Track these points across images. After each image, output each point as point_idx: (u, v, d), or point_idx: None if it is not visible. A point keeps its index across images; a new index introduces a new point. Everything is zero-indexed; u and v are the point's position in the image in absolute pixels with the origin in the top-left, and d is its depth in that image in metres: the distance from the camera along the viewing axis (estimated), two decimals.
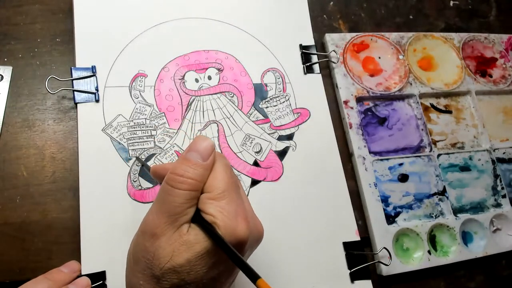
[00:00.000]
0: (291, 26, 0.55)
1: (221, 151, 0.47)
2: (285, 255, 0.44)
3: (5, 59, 0.46)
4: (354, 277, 0.45)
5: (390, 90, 0.55)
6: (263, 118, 0.50)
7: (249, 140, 0.48)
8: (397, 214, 0.50)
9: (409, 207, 0.51)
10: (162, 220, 0.29)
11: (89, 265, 0.39)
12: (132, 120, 0.46)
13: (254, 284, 0.26)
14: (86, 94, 0.45)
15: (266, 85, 0.51)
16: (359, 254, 0.46)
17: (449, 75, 0.59)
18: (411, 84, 0.56)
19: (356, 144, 0.51)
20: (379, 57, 0.57)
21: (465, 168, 0.54)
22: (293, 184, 0.47)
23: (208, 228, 0.28)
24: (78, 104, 0.45)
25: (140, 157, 0.44)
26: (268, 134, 0.49)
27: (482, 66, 0.61)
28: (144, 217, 0.31)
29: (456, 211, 0.52)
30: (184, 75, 0.49)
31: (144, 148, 0.45)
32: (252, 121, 0.49)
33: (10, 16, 0.48)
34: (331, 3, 0.59)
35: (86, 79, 0.45)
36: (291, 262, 0.44)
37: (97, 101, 0.45)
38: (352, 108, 0.52)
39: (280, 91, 0.51)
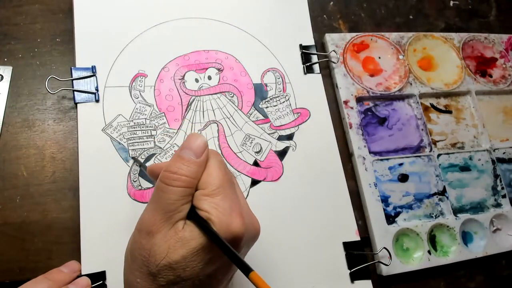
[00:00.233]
0: (291, 26, 0.55)
1: (221, 151, 0.47)
2: (285, 255, 0.44)
3: (5, 59, 0.46)
4: (354, 277, 0.45)
5: (390, 90, 0.55)
6: (263, 118, 0.50)
7: (249, 140, 0.48)
8: (397, 214, 0.50)
9: (409, 207, 0.51)
10: (158, 218, 0.29)
11: (89, 265, 0.39)
12: (132, 120, 0.46)
13: (247, 277, 0.26)
14: (86, 94, 0.45)
15: (266, 85, 0.51)
16: (359, 254, 0.46)
17: (449, 75, 0.59)
18: (411, 84, 0.56)
19: (356, 144, 0.51)
20: (379, 57, 0.57)
21: (465, 168, 0.54)
22: (293, 184, 0.47)
23: (203, 224, 0.29)
24: (78, 104, 0.45)
25: (140, 157, 0.44)
26: (268, 134, 0.49)
27: (482, 66, 0.61)
28: (140, 216, 0.31)
29: (456, 211, 0.52)
30: (184, 75, 0.49)
31: (144, 148, 0.45)
32: (252, 121, 0.49)
33: (10, 16, 0.48)
34: (331, 3, 0.59)
35: (86, 79, 0.45)
36: (291, 262, 0.44)
37: (97, 101, 0.45)
38: (352, 108, 0.52)
39: (280, 91, 0.51)
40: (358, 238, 0.47)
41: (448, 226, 0.50)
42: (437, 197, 0.52)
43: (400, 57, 0.57)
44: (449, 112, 0.57)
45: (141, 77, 0.47)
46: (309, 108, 0.51)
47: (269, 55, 0.53)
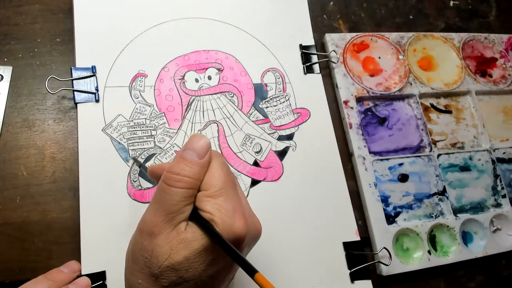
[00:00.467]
0: (291, 26, 0.55)
1: (221, 151, 0.47)
2: (285, 255, 0.44)
3: (5, 59, 0.46)
4: (354, 277, 0.45)
5: (390, 90, 0.55)
6: (263, 118, 0.50)
7: (249, 140, 0.48)
8: (397, 214, 0.50)
9: (409, 207, 0.51)
10: (160, 219, 0.29)
11: (89, 265, 0.39)
12: (132, 120, 0.46)
13: (252, 279, 0.26)
14: (86, 94, 0.45)
15: (266, 85, 0.51)
16: (359, 254, 0.46)
17: (449, 75, 0.59)
18: (411, 84, 0.56)
19: (356, 144, 0.51)
20: (379, 57, 0.57)
21: (465, 168, 0.54)
22: (293, 184, 0.47)
23: (205, 225, 0.29)
24: (78, 104, 0.45)
25: (140, 157, 0.44)
26: (268, 134, 0.49)
27: (482, 66, 0.61)
28: (142, 216, 0.31)
29: (456, 211, 0.52)
30: (184, 75, 0.49)
31: (144, 148, 0.45)
32: (252, 121, 0.49)
33: (10, 16, 0.48)
34: (331, 3, 0.59)
35: (86, 79, 0.45)
36: (291, 262, 0.44)
37: (97, 101, 0.45)
38: (352, 108, 0.52)
39: (280, 91, 0.51)
40: (358, 238, 0.47)
41: (448, 226, 0.50)
42: (437, 197, 0.52)
43: (400, 57, 0.57)
44: (449, 112, 0.57)
45: (141, 77, 0.47)
46: (309, 108, 0.51)
47: (269, 55, 0.53)
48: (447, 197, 0.51)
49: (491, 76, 0.61)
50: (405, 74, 0.56)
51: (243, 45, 0.52)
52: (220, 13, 0.53)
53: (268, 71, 0.52)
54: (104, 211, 0.41)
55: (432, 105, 0.57)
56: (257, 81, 0.51)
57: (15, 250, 0.40)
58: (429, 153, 0.53)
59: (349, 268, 0.45)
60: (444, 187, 0.52)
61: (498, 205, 0.54)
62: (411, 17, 0.62)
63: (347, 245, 0.46)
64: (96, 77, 0.46)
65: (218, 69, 0.50)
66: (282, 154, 0.49)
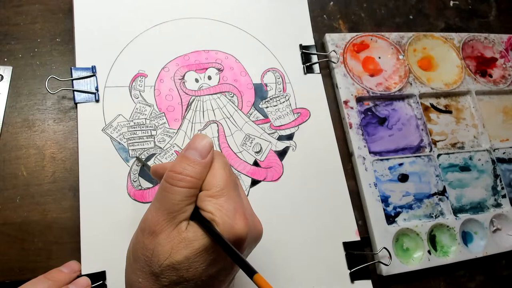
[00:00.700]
0: (291, 26, 0.55)
1: (221, 151, 0.47)
2: (285, 255, 0.44)
3: (5, 59, 0.46)
4: (354, 277, 0.45)
5: (390, 90, 0.55)
6: (263, 118, 0.50)
7: (249, 140, 0.48)
8: (397, 214, 0.50)
9: (409, 207, 0.51)
10: (161, 218, 0.29)
11: (89, 265, 0.39)
12: (132, 120, 0.46)
13: (251, 279, 0.26)
14: (86, 94, 0.45)
15: (266, 85, 0.51)
16: (359, 254, 0.46)
17: (449, 75, 0.59)
18: (411, 84, 0.56)
19: (356, 144, 0.51)
20: (379, 57, 0.57)
21: (465, 168, 0.54)
22: (293, 184, 0.47)
23: (206, 225, 0.29)
24: (78, 104, 0.45)
25: (140, 157, 0.44)
26: (268, 134, 0.49)
27: (482, 66, 0.61)
28: (143, 215, 0.31)
29: (456, 211, 0.52)
30: (184, 75, 0.49)
31: (144, 148, 0.45)
32: (252, 121, 0.49)
33: (10, 16, 0.48)
34: (331, 3, 0.59)
35: (86, 79, 0.45)
36: (291, 262, 0.44)
37: (97, 101, 0.45)
38: (352, 108, 0.52)
39: (280, 91, 0.51)
40: (358, 238, 0.47)
41: (448, 226, 0.50)
42: (437, 197, 0.52)
43: (400, 57, 0.57)
44: (449, 112, 0.57)
45: (141, 77, 0.47)
46: (309, 108, 0.51)
47: (269, 55, 0.53)
48: (447, 197, 0.51)
49: (491, 76, 0.61)
50: (405, 74, 0.56)
51: (243, 45, 0.52)
52: (220, 13, 0.53)
53: (268, 71, 0.52)
54: (104, 211, 0.41)
55: (432, 105, 0.57)
56: (257, 81, 0.51)
57: (15, 250, 0.40)
58: (429, 153, 0.53)
59: (349, 268, 0.45)
60: (444, 187, 0.52)
61: (498, 205, 0.54)
62: (411, 17, 0.62)
63: (347, 245, 0.46)
64: (96, 77, 0.46)
65: (218, 69, 0.50)
66: (282, 154, 0.49)
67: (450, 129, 0.56)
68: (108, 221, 0.41)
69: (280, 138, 0.49)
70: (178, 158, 0.31)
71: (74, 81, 0.45)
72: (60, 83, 0.45)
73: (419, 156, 0.53)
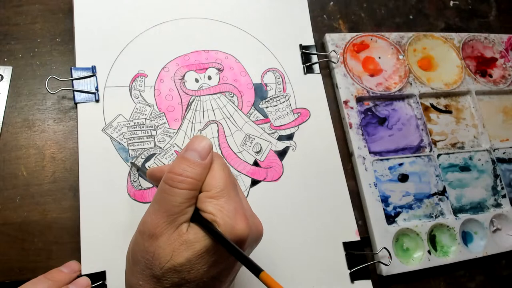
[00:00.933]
0: (291, 26, 0.55)
1: (221, 151, 0.47)
2: (285, 255, 0.44)
3: (5, 59, 0.46)
4: (354, 277, 0.45)
5: (390, 90, 0.55)
6: (263, 118, 0.50)
7: (249, 140, 0.48)
8: (397, 214, 0.50)
9: (409, 207, 0.51)
10: (161, 220, 0.29)
11: (89, 265, 0.39)
12: (132, 120, 0.46)
13: (257, 277, 0.26)
14: (86, 94, 0.45)
15: (266, 85, 0.51)
16: (359, 254, 0.46)
17: (449, 75, 0.59)
18: (411, 84, 0.56)
19: (356, 144, 0.51)
20: (379, 57, 0.57)
21: (465, 168, 0.54)
22: (293, 184, 0.47)
23: (208, 226, 0.28)
24: (78, 104, 0.45)
25: (140, 157, 0.44)
26: (268, 134, 0.49)
27: (482, 66, 0.61)
28: (142, 218, 0.31)
29: (456, 211, 0.52)
30: (184, 75, 0.49)
31: (144, 148, 0.45)
32: (252, 121, 0.49)
33: (10, 16, 0.48)
34: (331, 3, 0.59)
35: (86, 79, 0.45)
36: (291, 262, 0.44)
37: (97, 101, 0.45)
38: (352, 108, 0.52)
39: (280, 91, 0.51)
40: (358, 238, 0.47)
41: (448, 226, 0.50)
42: (437, 197, 0.52)
43: (400, 57, 0.57)
44: (449, 112, 0.57)
45: (141, 77, 0.47)
46: (309, 108, 0.51)
47: (269, 55, 0.53)
48: (447, 197, 0.51)
49: (491, 76, 0.61)
50: (405, 74, 0.56)
51: (243, 45, 0.52)
52: (220, 13, 0.53)
53: (268, 71, 0.52)
54: (104, 211, 0.41)
55: (432, 105, 0.57)
56: (257, 81, 0.51)
57: (15, 250, 0.40)
58: (429, 153, 0.53)
59: (349, 268, 0.45)
60: (444, 187, 0.52)
61: (498, 205, 0.54)
62: (411, 17, 0.62)
63: (347, 245, 0.46)
64: (96, 77, 0.46)
65: (218, 69, 0.50)
66: (282, 154, 0.49)
67: (450, 129, 0.56)
68: (108, 221, 0.41)
69: (280, 138, 0.49)
70: (177, 159, 0.31)
71: (74, 81, 0.45)
72: (60, 83, 0.45)
73: (419, 156, 0.53)
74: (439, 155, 0.54)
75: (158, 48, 0.49)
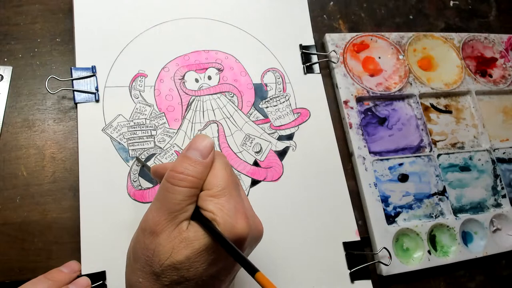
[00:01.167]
0: (291, 26, 0.55)
1: (221, 151, 0.47)
2: (285, 255, 0.44)
3: (5, 59, 0.46)
4: (354, 277, 0.45)
5: (390, 90, 0.55)
6: (263, 118, 0.50)
7: (249, 140, 0.48)
8: (397, 214, 0.50)
9: (409, 207, 0.51)
10: (162, 217, 0.29)
11: (89, 265, 0.39)
12: (132, 120, 0.46)
13: (253, 278, 0.26)
14: (86, 94, 0.45)
15: (266, 85, 0.51)
16: (359, 254, 0.46)
17: (449, 75, 0.59)
18: (411, 84, 0.56)
19: (356, 144, 0.51)
20: (379, 57, 0.57)
21: (465, 168, 0.54)
22: (293, 184, 0.47)
23: (207, 224, 0.29)
24: (78, 104, 0.45)
25: (140, 157, 0.44)
26: (268, 134, 0.49)
27: (482, 66, 0.61)
28: (144, 215, 0.31)
29: (456, 211, 0.52)
30: (184, 75, 0.49)
31: (144, 148, 0.45)
32: (252, 121, 0.49)
33: (10, 16, 0.48)
34: (331, 3, 0.59)
35: (86, 79, 0.45)
36: (291, 262, 0.44)
37: (97, 101, 0.45)
38: (352, 108, 0.52)
39: (280, 91, 0.51)
40: (358, 238, 0.47)
41: (448, 226, 0.50)
42: (437, 197, 0.52)
43: (400, 57, 0.57)
44: (449, 112, 0.57)
45: (141, 77, 0.47)
46: (309, 108, 0.51)
47: (269, 55, 0.53)
48: (447, 197, 0.51)
49: (491, 76, 0.61)
50: (405, 74, 0.56)
51: (243, 45, 0.52)
52: (220, 13, 0.53)
53: (268, 71, 0.52)
54: (104, 211, 0.41)
55: (432, 105, 0.57)
56: (257, 81, 0.51)
57: (15, 250, 0.40)
58: (429, 153, 0.53)
59: (349, 268, 0.45)
60: (444, 187, 0.52)
61: (498, 205, 0.54)
62: (411, 17, 0.62)
63: (347, 245, 0.46)
64: (96, 77, 0.46)
65: (218, 69, 0.50)
66: (282, 154, 0.49)
67: (450, 129, 0.56)
68: (108, 221, 0.41)
69: (280, 138, 0.49)
70: (179, 158, 0.31)
71: (74, 81, 0.45)
72: (60, 83, 0.45)
73: (419, 156, 0.53)
74: (439, 155, 0.54)
75: (158, 48, 0.49)
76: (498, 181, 0.55)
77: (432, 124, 0.56)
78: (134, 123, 0.45)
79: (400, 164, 0.52)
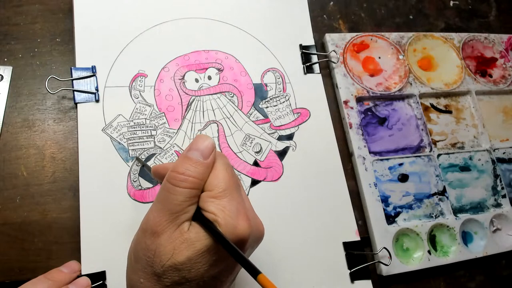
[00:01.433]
0: (291, 26, 0.55)
1: (221, 151, 0.47)
2: (285, 255, 0.44)
3: (5, 59, 0.46)
4: (354, 277, 0.45)
5: (390, 90, 0.55)
6: (263, 118, 0.50)
7: (249, 140, 0.48)
8: (397, 214, 0.50)
9: (409, 207, 0.51)
10: (163, 218, 0.29)
11: (89, 265, 0.39)
12: (132, 120, 0.46)
13: (255, 279, 0.26)
14: (86, 94, 0.45)
15: (266, 85, 0.51)
16: (359, 254, 0.46)
17: (449, 75, 0.59)
18: (411, 84, 0.56)
19: (356, 144, 0.51)
20: (379, 57, 0.57)
21: (465, 168, 0.54)
22: (293, 184, 0.47)
23: (209, 225, 0.29)
24: (78, 104, 0.45)
25: (140, 157, 0.44)
26: (268, 134, 0.49)
27: (482, 66, 0.61)
28: (144, 216, 0.31)
29: (456, 211, 0.52)
30: (184, 75, 0.49)
31: (144, 148, 0.45)
32: (252, 121, 0.49)
33: (10, 16, 0.48)
34: (331, 3, 0.59)
35: (86, 79, 0.45)
36: (291, 262, 0.44)
37: (97, 101, 0.45)
38: (352, 108, 0.52)
39: (280, 91, 0.51)
40: (358, 238, 0.47)
41: (448, 226, 0.50)
42: (437, 197, 0.52)
43: (400, 57, 0.57)
44: (449, 112, 0.57)
45: (141, 77, 0.47)
46: (309, 108, 0.51)
47: (269, 55, 0.53)
48: (447, 197, 0.51)
49: (491, 76, 0.61)
50: (405, 74, 0.56)
51: (243, 45, 0.52)
52: (220, 13, 0.53)
53: (268, 71, 0.52)
54: (104, 211, 0.41)
55: (432, 105, 0.57)
56: (257, 81, 0.51)
57: (15, 250, 0.40)
58: (429, 153, 0.53)
59: (349, 268, 0.45)
60: (444, 187, 0.52)
61: (498, 205, 0.54)
62: (411, 17, 0.62)
63: (347, 245, 0.46)
64: (96, 77, 0.46)
65: (218, 69, 0.50)
66: (282, 154, 0.49)
67: (450, 129, 0.56)
68: (108, 221, 0.41)
69: (280, 138, 0.49)
70: (180, 158, 0.31)
71: (74, 81, 0.45)
72: (60, 83, 0.45)
73: (419, 156, 0.53)
74: (439, 155, 0.54)
75: (158, 48, 0.49)
76: (498, 181, 0.55)
77: (432, 124, 0.56)
78: (134, 123, 0.46)
79: (400, 164, 0.52)
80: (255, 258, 0.39)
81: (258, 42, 0.53)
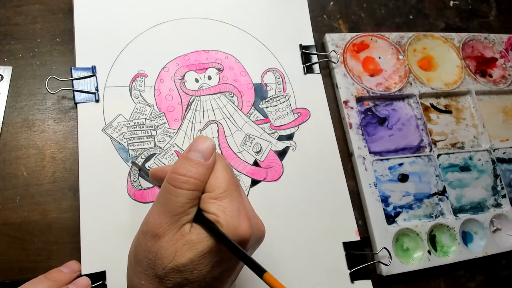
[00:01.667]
0: (291, 26, 0.55)
1: (221, 151, 0.47)
2: (285, 255, 0.44)
3: (5, 59, 0.46)
4: (354, 277, 0.45)
5: (390, 90, 0.55)
6: (263, 118, 0.50)
7: (249, 140, 0.48)
8: (397, 214, 0.50)
9: (409, 207, 0.51)
10: (164, 220, 0.29)
11: (89, 265, 0.39)
12: (132, 120, 0.46)
13: (261, 278, 0.26)
14: (86, 94, 0.45)
15: (266, 85, 0.51)
16: (359, 254, 0.46)
17: (449, 75, 0.59)
18: (411, 84, 0.56)
19: (356, 144, 0.51)
20: (379, 57, 0.57)
21: (465, 168, 0.54)
22: (293, 184, 0.47)
23: (210, 226, 0.29)
24: (78, 104, 0.45)
25: (140, 157, 0.44)
26: (268, 134, 0.49)
27: (482, 66, 0.61)
28: (144, 218, 0.31)
29: (456, 211, 0.52)
30: (184, 75, 0.49)
31: (144, 148, 0.45)
32: (252, 121, 0.49)
33: (10, 16, 0.48)
34: (331, 3, 0.59)
35: (86, 79, 0.45)
36: (291, 262, 0.44)
37: (97, 101, 0.45)
38: (352, 108, 0.52)
39: (280, 91, 0.51)
40: (358, 238, 0.47)
41: (448, 226, 0.50)
42: (437, 197, 0.52)
43: (400, 57, 0.57)
44: (449, 112, 0.57)
45: (141, 77, 0.47)
46: (309, 108, 0.51)
47: (269, 55, 0.53)
48: (447, 197, 0.51)
49: (491, 76, 0.61)
50: (405, 74, 0.56)
51: (243, 45, 0.52)
52: (220, 13, 0.53)
53: (268, 71, 0.52)
54: (104, 211, 0.41)
55: (432, 105, 0.57)
56: (257, 81, 0.51)
57: (15, 250, 0.40)
58: (429, 153, 0.53)
59: (349, 268, 0.45)
60: (444, 187, 0.52)
61: (498, 205, 0.54)
62: (411, 17, 0.62)
63: (347, 245, 0.46)
64: (96, 77, 0.46)
65: (218, 69, 0.50)
66: (282, 154, 0.49)
67: (450, 129, 0.56)
68: (108, 221, 0.41)
69: (280, 138, 0.49)
70: (181, 159, 0.31)
71: (74, 81, 0.45)
72: (60, 83, 0.45)
73: (419, 156, 0.53)
74: (439, 155, 0.54)
75: (158, 48, 0.49)
76: (498, 181, 0.55)
77: (432, 124, 0.56)
78: (134, 123, 0.45)
79: (400, 164, 0.52)
80: (255, 258, 0.39)
81: (258, 42, 0.53)
